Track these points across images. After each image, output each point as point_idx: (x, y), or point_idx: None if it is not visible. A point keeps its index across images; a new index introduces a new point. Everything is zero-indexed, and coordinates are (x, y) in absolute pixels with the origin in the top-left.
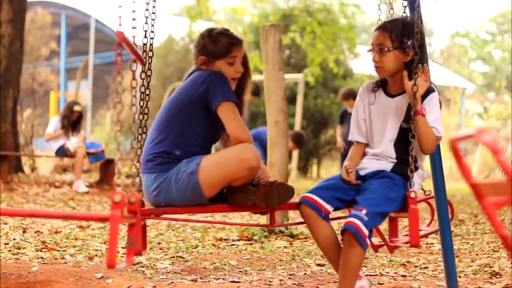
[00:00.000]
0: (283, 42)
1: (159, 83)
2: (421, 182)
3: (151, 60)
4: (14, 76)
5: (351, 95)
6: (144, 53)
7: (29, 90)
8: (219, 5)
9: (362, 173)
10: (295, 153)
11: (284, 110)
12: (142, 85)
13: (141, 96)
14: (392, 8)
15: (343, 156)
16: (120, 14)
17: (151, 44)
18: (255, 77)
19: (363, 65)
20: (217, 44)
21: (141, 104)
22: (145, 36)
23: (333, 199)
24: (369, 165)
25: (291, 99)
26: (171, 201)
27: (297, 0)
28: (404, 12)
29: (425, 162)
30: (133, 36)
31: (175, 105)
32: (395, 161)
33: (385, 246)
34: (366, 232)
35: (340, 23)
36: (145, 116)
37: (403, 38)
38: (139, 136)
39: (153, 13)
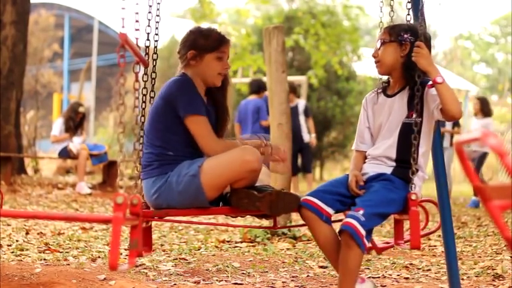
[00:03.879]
0: (287, 44)
1: (162, 85)
2: (422, 183)
3: (155, 62)
4: (17, 78)
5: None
6: (146, 55)
7: (32, 91)
8: (222, 7)
9: (363, 178)
10: (299, 156)
11: (287, 113)
12: (145, 87)
13: (143, 98)
14: (393, 11)
15: None
16: (123, 16)
17: (155, 47)
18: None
19: (366, 67)
20: (208, 38)
21: (144, 107)
22: (148, 39)
23: (334, 201)
24: (369, 170)
25: None
26: (172, 203)
27: (300, 2)
28: (409, 14)
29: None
30: (136, 38)
31: (153, 113)
32: (394, 164)
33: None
34: (363, 232)
35: (344, 25)
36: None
37: (400, 32)
38: (141, 138)
39: (157, 15)
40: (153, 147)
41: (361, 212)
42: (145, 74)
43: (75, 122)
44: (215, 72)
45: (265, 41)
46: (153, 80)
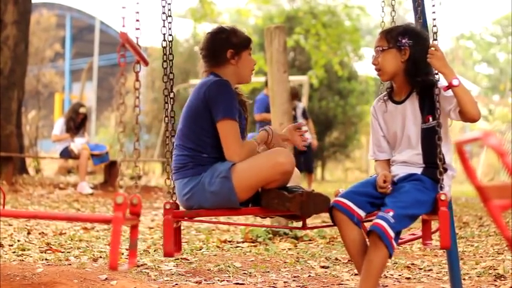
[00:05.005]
0: (288, 44)
1: (164, 85)
2: (451, 182)
3: (172, 63)
4: (19, 78)
5: None
6: (164, 56)
7: (33, 91)
8: (223, 7)
9: (394, 179)
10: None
11: (289, 112)
12: (166, 88)
13: (165, 99)
14: (394, 10)
15: None
16: (124, 15)
17: (170, 47)
18: (260, 79)
19: (367, 67)
20: (238, 36)
21: (166, 107)
22: (165, 39)
23: (365, 204)
24: (398, 171)
25: None
26: (204, 204)
27: (301, 2)
28: (419, 18)
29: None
30: (137, 38)
31: (188, 114)
32: (423, 165)
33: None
34: (392, 234)
35: (345, 25)
36: (172, 119)
37: (398, 37)
38: (167, 139)
39: (170, 16)
40: (187, 149)
41: (391, 213)
42: (165, 75)
43: (76, 122)
44: (250, 69)
45: (266, 41)
46: (171, 81)
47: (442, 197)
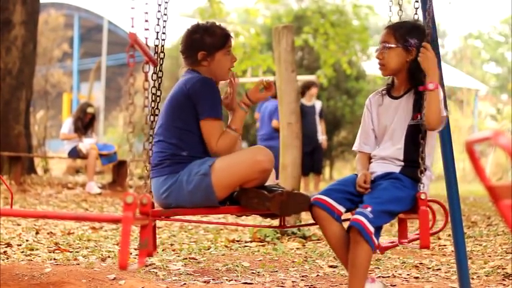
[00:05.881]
0: (296, 44)
1: (172, 85)
2: (429, 183)
3: (162, 61)
4: (27, 78)
5: (305, 88)
6: (156, 54)
7: (42, 91)
8: (231, 7)
9: (371, 176)
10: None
11: (297, 112)
12: (154, 86)
13: (152, 97)
14: (401, 10)
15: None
16: (133, 16)
17: (162, 46)
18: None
19: (375, 66)
20: (213, 35)
21: (152, 106)
22: (157, 38)
23: (344, 200)
24: (377, 169)
25: None
26: (182, 203)
27: (309, 2)
28: (416, 13)
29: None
30: (146, 38)
31: (170, 110)
32: (402, 163)
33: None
34: (372, 229)
35: (353, 24)
36: (157, 118)
37: (407, 37)
38: (150, 137)
39: (165, 14)
40: (167, 145)
41: (369, 209)
42: (154, 73)
43: (83, 122)
44: (226, 69)
45: (274, 40)
46: (160, 79)
47: (422, 196)
